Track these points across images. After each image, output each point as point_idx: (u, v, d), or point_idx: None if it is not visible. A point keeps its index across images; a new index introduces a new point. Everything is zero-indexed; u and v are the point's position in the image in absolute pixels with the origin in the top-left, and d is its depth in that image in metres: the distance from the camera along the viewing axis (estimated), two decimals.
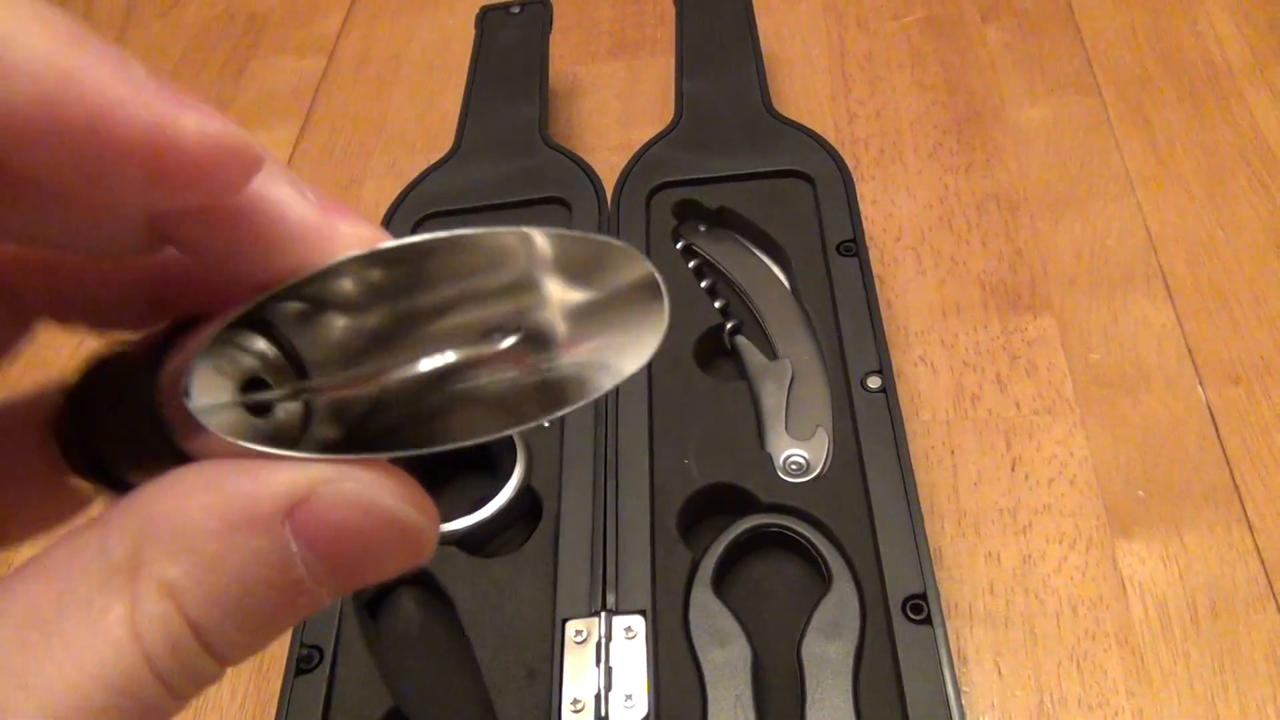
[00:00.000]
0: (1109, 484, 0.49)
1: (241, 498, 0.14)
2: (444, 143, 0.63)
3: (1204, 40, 0.68)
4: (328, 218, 0.16)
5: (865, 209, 0.62)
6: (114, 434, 0.17)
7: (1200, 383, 0.52)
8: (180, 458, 0.16)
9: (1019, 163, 0.63)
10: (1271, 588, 0.45)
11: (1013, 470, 0.50)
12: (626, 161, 0.58)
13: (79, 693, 0.13)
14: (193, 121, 0.14)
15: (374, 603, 0.46)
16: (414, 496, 0.16)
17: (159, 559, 0.14)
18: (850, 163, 0.64)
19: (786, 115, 0.63)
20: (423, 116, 0.74)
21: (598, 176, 0.58)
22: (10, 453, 0.19)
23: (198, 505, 0.14)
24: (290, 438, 0.17)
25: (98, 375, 0.18)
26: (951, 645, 0.45)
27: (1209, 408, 0.51)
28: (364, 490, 0.15)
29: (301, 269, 0.16)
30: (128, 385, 0.17)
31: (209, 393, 0.16)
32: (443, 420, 0.17)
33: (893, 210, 0.62)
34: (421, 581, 0.46)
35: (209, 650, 0.14)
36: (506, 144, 0.62)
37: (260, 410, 0.16)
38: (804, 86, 0.70)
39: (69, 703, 0.13)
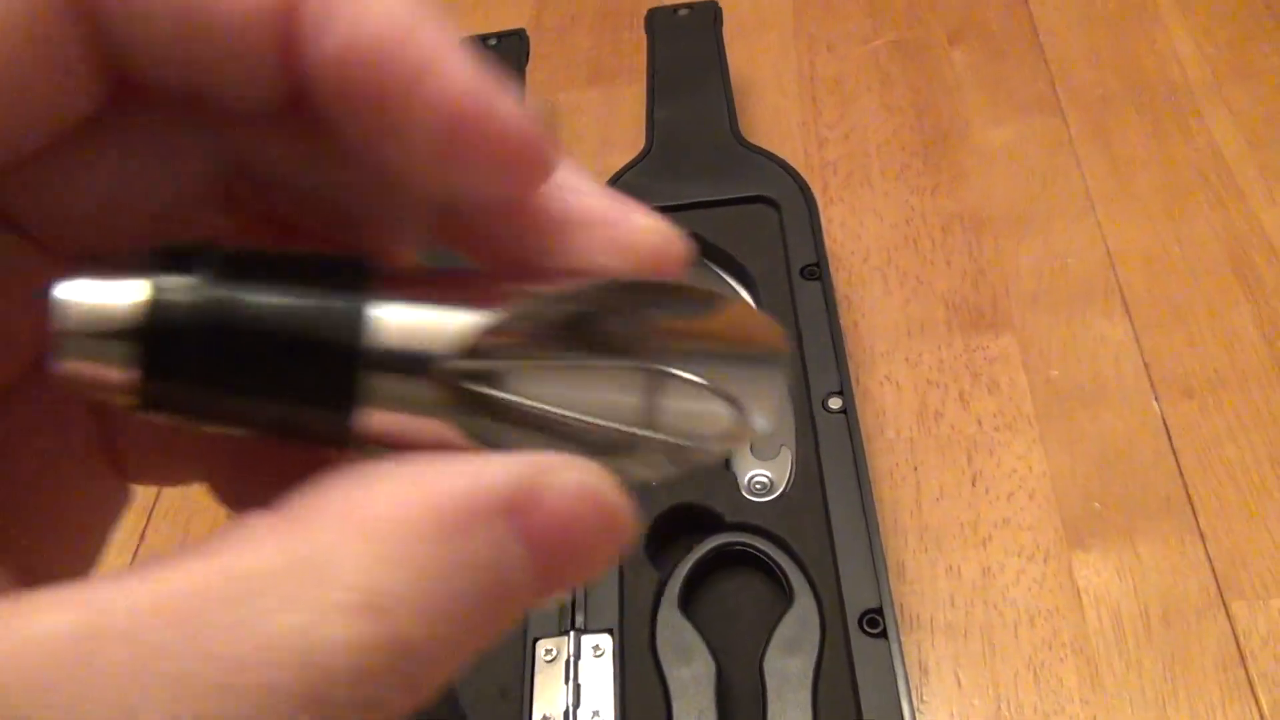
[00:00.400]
0: (1066, 497, 0.51)
1: (457, 496, 0.13)
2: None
3: (1164, 59, 0.69)
4: (622, 207, 0.15)
5: (834, 231, 0.64)
6: (240, 392, 0.14)
7: (1156, 397, 0.53)
8: (342, 438, 0.14)
9: (983, 183, 0.65)
10: (1221, 596, 0.47)
11: (973, 485, 0.52)
12: None
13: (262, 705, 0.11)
14: (511, 103, 0.13)
15: None
16: (614, 482, 0.14)
17: (357, 564, 0.12)
18: (819, 185, 0.66)
19: (757, 140, 0.65)
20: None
21: None
22: (50, 434, 0.16)
23: (407, 505, 0.12)
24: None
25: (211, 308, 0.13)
26: (913, 657, 0.46)
27: (1164, 421, 0.52)
28: (586, 480, 0.13)
29: (600, 266, 0.14)
30: (295, 337, 0.13)
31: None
32: None
33: (860, 232, 0.64)
34: None
35: (408, 669, 0.12)
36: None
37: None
38: (775, 111, 0.72)
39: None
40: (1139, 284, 0.58)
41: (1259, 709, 0.43)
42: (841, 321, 0.53)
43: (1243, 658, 0.45)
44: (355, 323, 0.13)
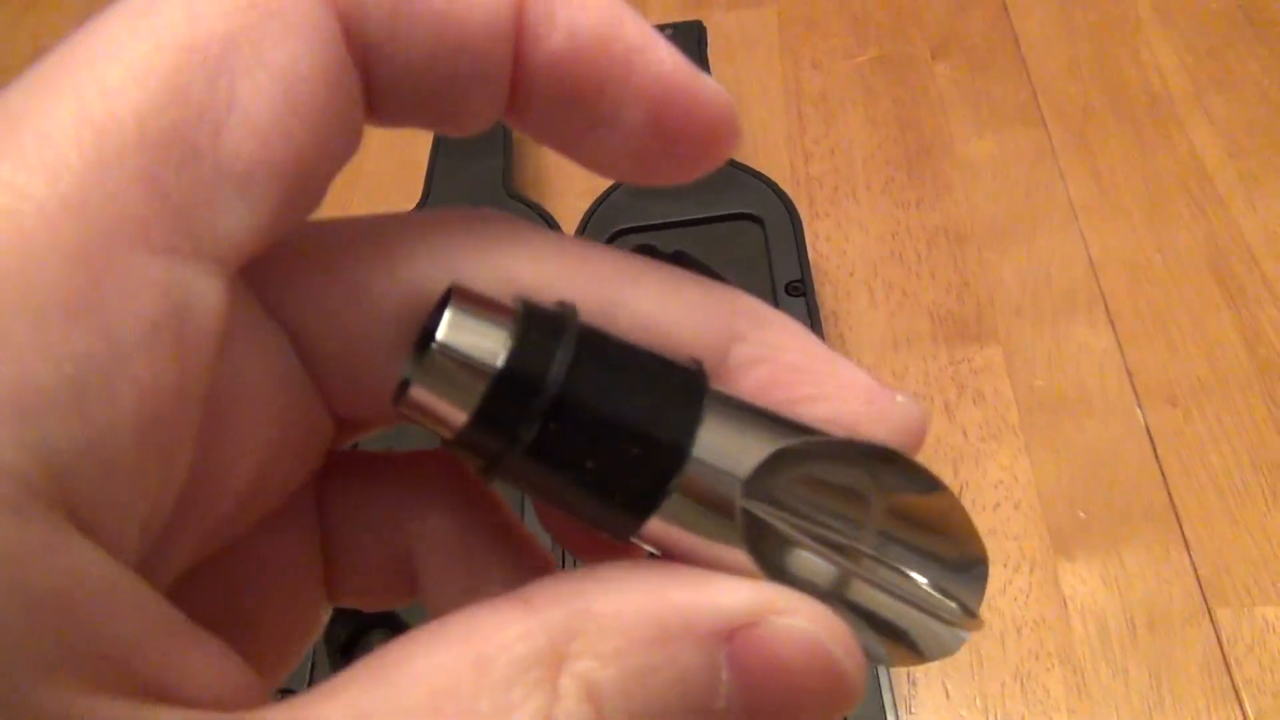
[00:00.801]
0: (1052, 507, 0.51)
1: (684, 609, 0.13)
2: (418, 195, 0.66)
3: (1145, 70, 0.70)
4: (883, 389, 0.16)
5: (820, 245, 0.64)
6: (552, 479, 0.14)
7: (1139, 405, 0.54)
8: (624, 535, 0.14)
9: (967, 195, 0.65)
10: (1206, 603, 0.47)
11: (960, 496, 0.52)
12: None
13: None
14: (712, 84, 0.15)
15: (348, 645, 0.48)
16: (854, 647, 0.14)
17: (587, 657, 0.12)
18: (805, 200, 0.67)
19: (744, 156, 0.66)
20: (396, 170, 0.76)
21: (559, 225, 0.61)
22: (287, 545, 0.17)
23: (636, 607, 0.13)
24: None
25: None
26: (900, 669, 0.47)
27: (1148, 429, 0.53)
28: (814, 631, 0.14)
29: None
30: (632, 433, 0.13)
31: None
32: None
33: (846, 246, 0.64)
34: (395, 625, 0.48)
35: None
36: (472, 196, 0.64)
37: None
38: (761, 127, 0.73)
39: None
40: (1122, 293, 0.59)
41: (1244, 715, 0.44)
42: (828, 336, 0.53)
43: (1228, 664, 0.45)
44: (691, 431, 0.14)
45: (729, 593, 0.13)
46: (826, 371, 0.16)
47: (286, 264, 0.14)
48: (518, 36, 0.14)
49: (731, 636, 0.13)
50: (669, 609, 0.13)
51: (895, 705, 0.41)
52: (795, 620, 0.13)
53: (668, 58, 0.14)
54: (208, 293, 0.12)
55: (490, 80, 0.14)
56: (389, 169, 0.76)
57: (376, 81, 0.14)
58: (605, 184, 0.63)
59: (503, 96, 0.14)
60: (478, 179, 0.65)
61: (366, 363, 0.15)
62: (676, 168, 0.15)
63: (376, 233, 0.15)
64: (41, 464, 0.10)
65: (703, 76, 0.15)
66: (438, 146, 0.68)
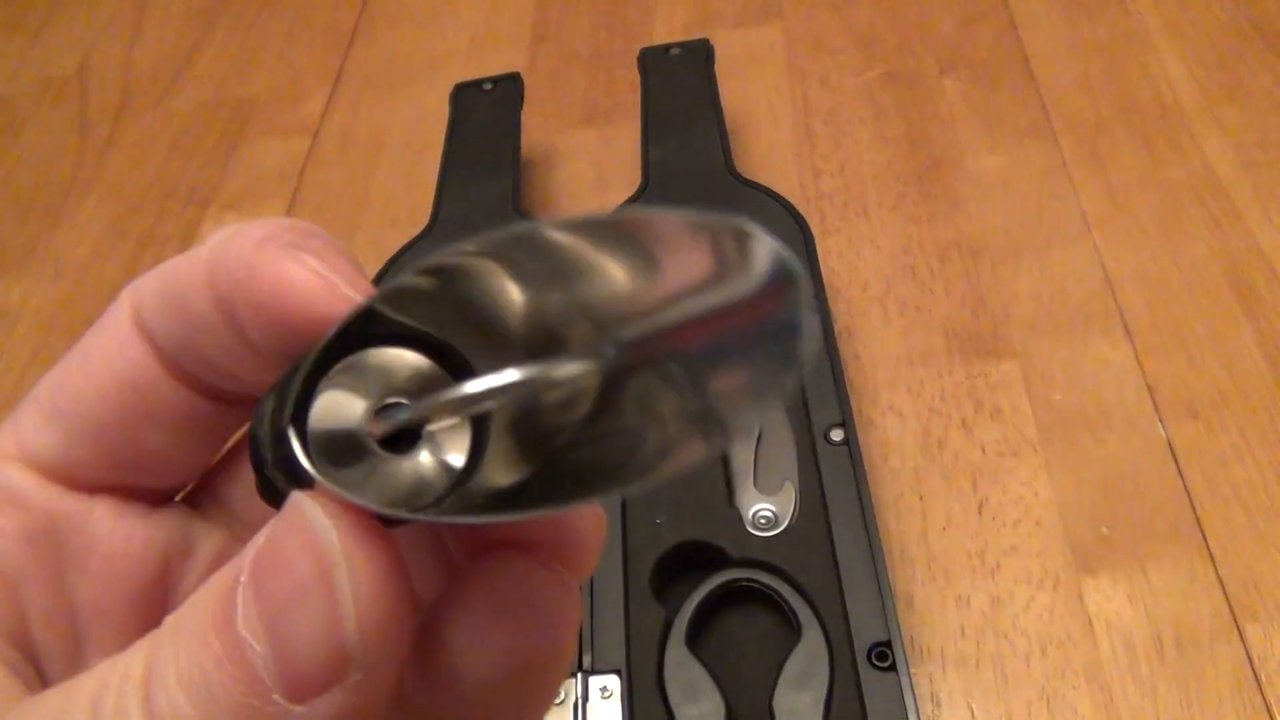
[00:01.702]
0: (1074, 523, 0.50)
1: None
2: (426, 218, 0.65)
3: (1156, 83, 0.70)
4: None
5: (832, 262, 0.64)
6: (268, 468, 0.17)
7: (1160, 419, 0.53)
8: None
9: (979, 210, 0.65)
10: (1235, 619, 0.46)
11: (980, 513, 0.51)
12: None
13: None
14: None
15: None
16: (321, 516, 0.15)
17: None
18: (816, 218, 0.66)
19: (753, 174, 0.66)
20: (405, 192, 0.76)
21: None
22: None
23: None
24: (436, 481, 0.16)
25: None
26: (924, 689, 0.46)
27: (1169, 443, 0.52)
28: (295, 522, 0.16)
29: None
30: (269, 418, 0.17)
31: (327, 420, 0.16)
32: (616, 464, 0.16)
33: (858, 263, 0.64)
34: None
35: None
36: (481, 217, 0.64)
37: (398, 444, 0.16)
38: (770, 145, 0.73)
39: None
40: (1138, 306, 0.58)
41: None
42: (842, 353, 0.53)
43: (1259, 682, 0.44)
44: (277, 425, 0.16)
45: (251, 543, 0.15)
46: None
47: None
48: (220, 291, 0.18)
49: (246, 568, 0.15)
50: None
51: None
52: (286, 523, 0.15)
53: (278, 265, 0.18)
54: (21, 479, 0.19)
55: (223, 336, 0.18)
56: (398, 189, 0.76)
57: (172, 355, 0.18)
58: (614, 203, 0.63)
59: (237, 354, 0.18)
60: (487, 198, 0.65)
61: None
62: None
63: None
64: None
65: (320, 275, 0.18)
66: (446, 167, 0.68)
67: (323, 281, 0.17)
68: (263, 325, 0.17)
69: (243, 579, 0.14)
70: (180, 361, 0.18)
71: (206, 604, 0.15)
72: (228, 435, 0.20)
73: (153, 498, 0.20)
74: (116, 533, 0.19)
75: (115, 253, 0.77)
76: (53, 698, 0.15)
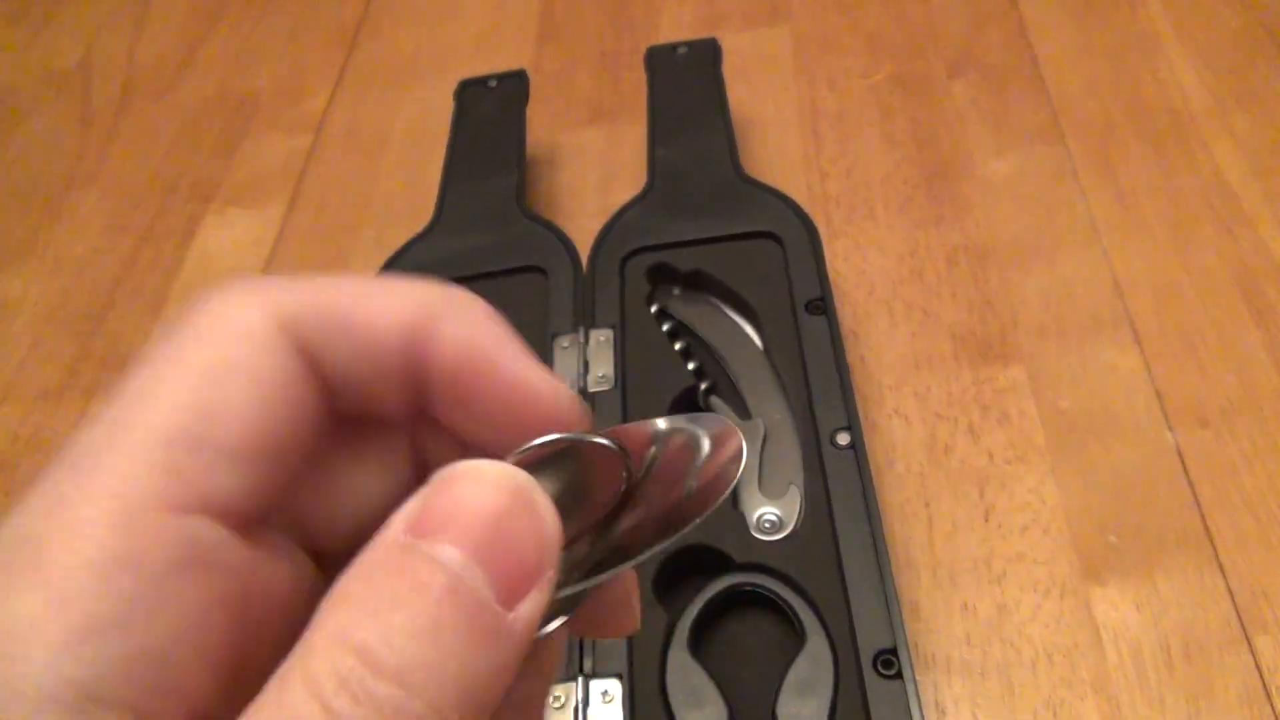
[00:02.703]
0: (1081, 530, 0.50)
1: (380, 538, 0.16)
2: (429, 215, 0.65)
3: (1166, 88, 0.69)
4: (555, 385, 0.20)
5: (838, 265, 0.63)
6: None
7: (1169, 427, 0.53)
8: None
9: (987, 214, 0.64)
10: (1244, 629, 0.45)
11: (986, 520, 0.51)
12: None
13: None
14: (560, 389, 0.20)
15: None
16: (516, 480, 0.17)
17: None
18: (823, 220, 0.66)
19: (760, 175, 0.65)
20: (408, 190, 0.75)
21: (573, 245, 0.60)
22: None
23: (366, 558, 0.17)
24: None
25: None
26: (929, 697, 0.45)
27: (1178, 451, 0.52)
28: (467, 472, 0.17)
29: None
30: None
31: None
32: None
33: (865, 266, 0.63)
34: None
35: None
36: (485, 215, 0.63)
37: None
38: (777, 147, 0.72)
39: None
40: (1148, 312, 0.57)
41: None
42: (848, 356, 0.52)
43: (1268, 693, 0.43)
44: None
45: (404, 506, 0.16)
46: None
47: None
48: (415, 347, 0.18)
49: (415, 524, 0.16)
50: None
51: None
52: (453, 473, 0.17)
53: (521, 368, 0.19)
54: (213, 536, 0.16)
55: (394, 376, 0.19)
56: (401, 187, 0.76)
57: (327, 380, 0.18)
58: (619, 203, 0.62)
59: (409, 389, 0.19)
60: (491, 198, 0.64)
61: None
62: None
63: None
64: (98, 674, 0.14)
65: (553, 383, 0.19)
66: (450, 167, 0.67)
67: (564, 396, 0.19)
68: (484, 414, 0.19)
69: (428, 530, 0.16)
70: (341, 391, 0.19)
71: (388, 567, 0.15)
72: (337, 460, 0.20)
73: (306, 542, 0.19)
74: (288, 579, 0.18)
75: (116, 247, 0.76)
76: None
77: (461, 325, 0.19)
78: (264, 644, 0.17)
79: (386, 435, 0.20)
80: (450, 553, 0.15)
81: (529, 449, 0.19)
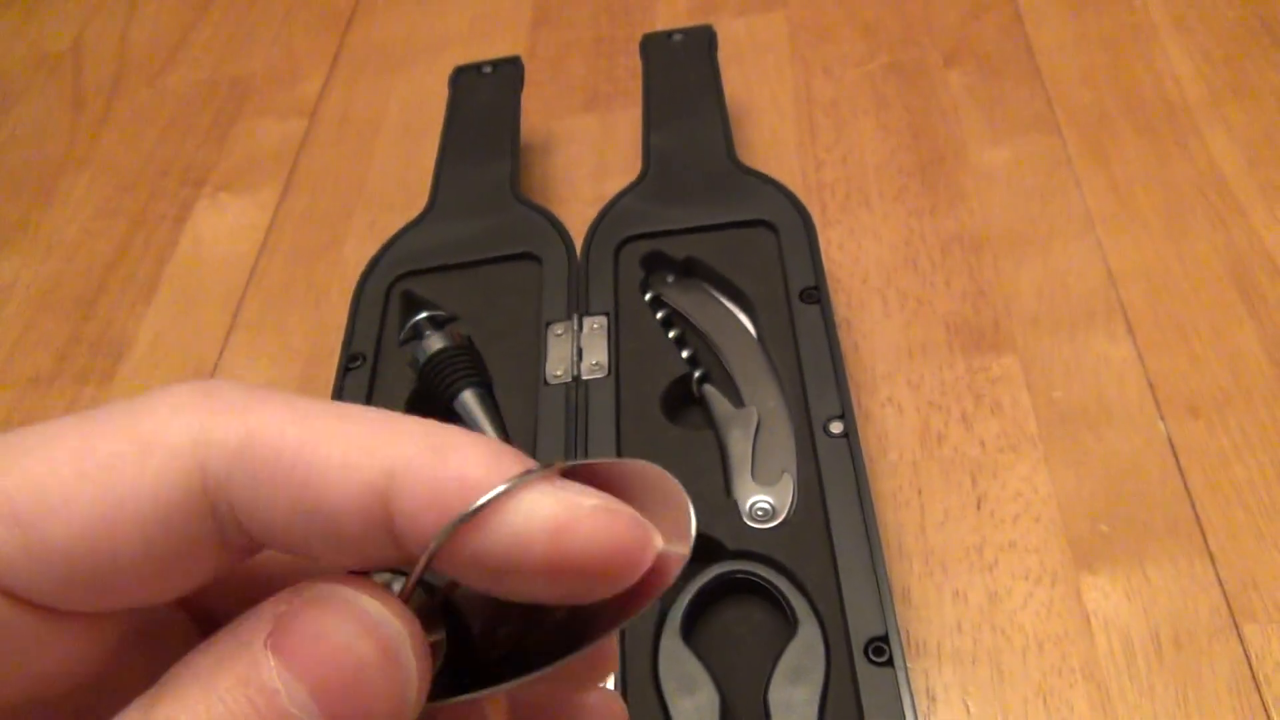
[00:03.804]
0: (1072, 519, 0.50)
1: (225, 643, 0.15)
2: (423, 201, 0.65)
3: (1161, 78, 0.69)
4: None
5: (833, 253, 0.63)
6: None
7: (1161, 417, 0.53)
8: None
9: (982, 203, 0.64)
10: (1233, 618, 0.46)
11: (978, 508, 0.51)
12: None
13: None
14: (591, 524, 0.17)
15: None
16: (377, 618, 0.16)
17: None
18: (817, 208, 0.66)
19: (755, 163, 0.65)
20: (402, 175, 0.75)
21: (567, 231, 0.60)
22: None
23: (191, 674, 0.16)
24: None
25: None
26: (920, 684, 0.46)
27: (1170, 441, 0.52)
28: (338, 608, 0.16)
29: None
30: None
31: None
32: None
33: (859, 254, 0.63)
34: None
35: None
36: (479, 201, 0.63)
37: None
38: (772, 134, 0.72)
39: None
40: (1141, 303, 0.58)
41: None
42: (842, 344, 0.52)
43: (1257, 682, 0.44)
44: None
45: (263, 609, 0.15)
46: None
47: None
48: (378, 514, 0.16)
49: (270, 635, 0.15)
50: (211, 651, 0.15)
51: None
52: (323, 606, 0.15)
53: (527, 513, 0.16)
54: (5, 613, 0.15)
55: (348, 542, 0.16)
56: (395, 172, 0.75)
57: (243, 527, 0.16)
58: (613, 190, 0.62)
59: (373, 548, 0.16)
60: (485, 184, 0.64)
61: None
62: (587, 591, 0.17)
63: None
64: None
65: (578, 521, 0.16)
66: (444, 150, 0.67)
67: (576, 532, 0.17)
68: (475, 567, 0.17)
69: (284, 649, 0.15)
70: (266, 539, 0.17)
71: (232, 671, 0.14)
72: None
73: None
74: (97, 657, 0.17)
75: (108, 231, 0.76)
76: None
77: (437, 486, 0.16)
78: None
79: None
80: (295, 689, 0.14)
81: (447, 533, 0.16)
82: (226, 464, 0.16)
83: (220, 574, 0.17)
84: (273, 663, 0.14)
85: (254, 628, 0.15)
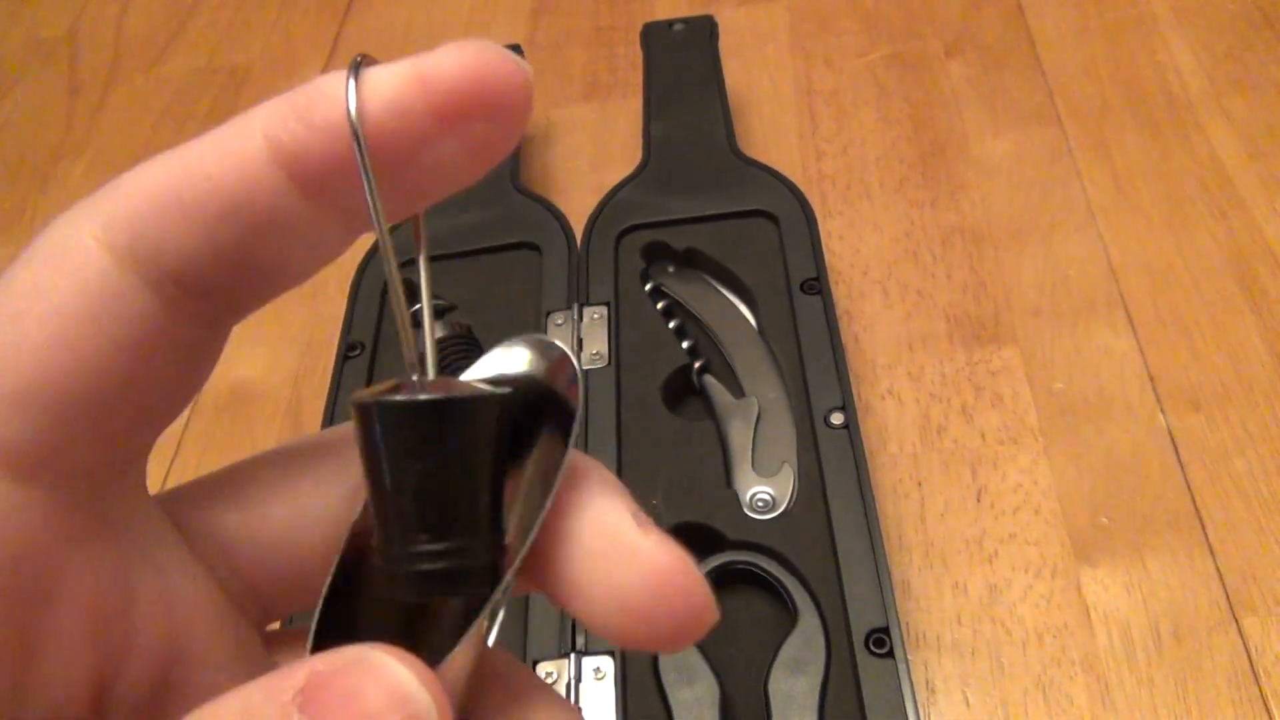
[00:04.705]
0: (1073, 512, 0.50)
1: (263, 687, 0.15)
2: None
3: (1163, 70, 0.69)
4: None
5: (833, 244, 0.63)
6: None
7: (1161, 410, 0.53)
8: None
9: (983, 195, 0.64)
10: (1232, 611, 0.46)
11: (978, 500, 0.51)
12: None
13: None
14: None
15: None
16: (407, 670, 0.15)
17: None
18: (818, 199, 0.65)
19: (756, 153, 0.65)
20: None
21: (567, 221, 0.59)
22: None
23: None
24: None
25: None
26: (920, 676, 0.46)
27: (1170, 434, 0.52)
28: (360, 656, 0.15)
29: None
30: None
31: None
32: None
33: (860, 245, 0.63)
34: None
35: None
36: (478, 191, 0.63)
37: None
38: (773, 125, 0.72)
39: None
40: (1142, 296, 0.57)
41: None
42: (842, 336, 0.52)
43: (1256, 675, 0.44)
44: None
45: (297, 667, 0.15)
46: None
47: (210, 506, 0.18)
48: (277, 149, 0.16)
49: (301, 691, 0.14)
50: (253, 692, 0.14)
51: (917, 715, 0.39)
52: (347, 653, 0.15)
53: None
54: None
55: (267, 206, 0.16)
56: None
57: (181, 287, 0.16)
58: (613, 180, 0.62)
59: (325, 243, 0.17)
60: (485, 174, 0.64)
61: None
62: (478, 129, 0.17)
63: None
64: None
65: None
66: None
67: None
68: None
69: (315, 710, 0.14)
70: (218, 269, 0.16)
71: None
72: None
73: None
74: (56, 532, 0.16)
75: None
76: None
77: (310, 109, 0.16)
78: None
79: (323, 454, 0.19)
80: None
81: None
82: (141, 229, 0.15)
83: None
84: (298, 718, 0.14)
85: (286, 684, 0.15)
